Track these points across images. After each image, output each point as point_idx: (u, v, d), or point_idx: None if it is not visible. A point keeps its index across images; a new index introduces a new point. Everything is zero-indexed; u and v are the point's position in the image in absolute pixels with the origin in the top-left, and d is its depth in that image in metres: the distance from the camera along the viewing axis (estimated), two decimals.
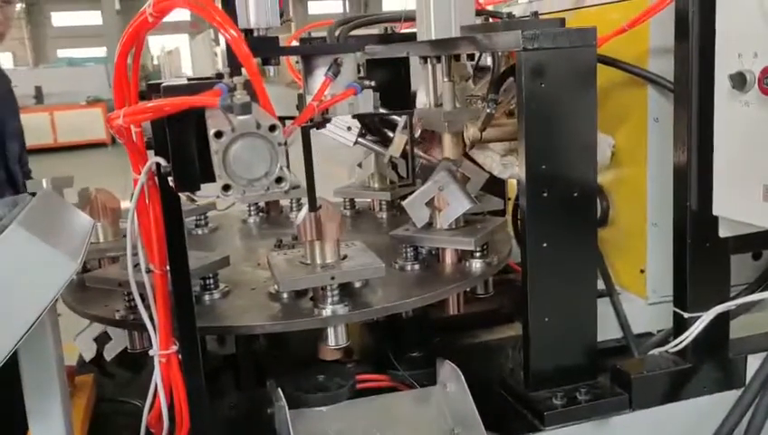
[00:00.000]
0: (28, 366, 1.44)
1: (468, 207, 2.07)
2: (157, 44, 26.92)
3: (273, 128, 1.21)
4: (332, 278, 1.75)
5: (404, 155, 2.24)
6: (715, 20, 1.66)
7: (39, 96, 18.84)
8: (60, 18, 36.55)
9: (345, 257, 1.86)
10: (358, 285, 1.91)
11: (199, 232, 2.71)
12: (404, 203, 2.15)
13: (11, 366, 1.36)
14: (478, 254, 2.08)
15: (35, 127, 17.29)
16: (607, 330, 2.11)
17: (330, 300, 1.76)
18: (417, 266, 2.09)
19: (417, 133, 2.26)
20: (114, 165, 13.07)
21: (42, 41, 36.44)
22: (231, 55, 1.29)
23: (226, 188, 1.22)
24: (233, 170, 1.21)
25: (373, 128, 2.48)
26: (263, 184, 1.22)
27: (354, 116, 2.30)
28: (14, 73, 22.48)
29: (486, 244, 2.11)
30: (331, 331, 1.78)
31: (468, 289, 2.18)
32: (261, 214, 2.89)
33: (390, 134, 2.38)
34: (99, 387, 2.15)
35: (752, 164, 1.62)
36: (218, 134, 1.20)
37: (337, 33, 2.28)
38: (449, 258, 2.11)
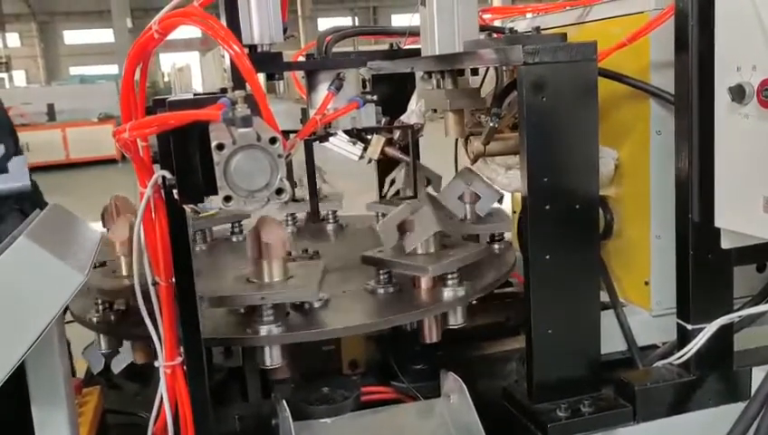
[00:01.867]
0: (35, 377, 1.46)
1: (435, 232, 2.02)
2: (168, 62, 27.17)
3: (273, 140, 1.23)
4: (262, 299, 1.75)
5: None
6: (714, 34, 1.68)
7: (51, 113, 19.00)
8: (72, 36, 36.98)
9: (291, 278, 1.85)
10: (317, 305, 1.90)
11: (234, 239, 2.77)
12: (377, 225, 2.12)
13: (18, 377, 1.39)
14: (450, 281, 2.01)
15: (47, 143, 17.46)
16: (612, 342, 2.11)
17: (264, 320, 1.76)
18: (389, 289, 2.03)
19: (396, 136, 2.28)
20: (124, 181, 13.17)
21: (54, 58, 36.85)
22: (234, 70, 1.32)
23: (228, 199, 1.25)
24: (234, 182, 1.24)
25: (352, 131, 2.49)
26: (263, 195, 1.24)
27: None
28: (27, 91, 22.76)
29: (459, 271, 2.03)
30: (267, 350, 1.77)
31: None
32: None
33: (369, 137, 2.41)
34: (106, 399, 2.17)
35: (752, 176, 1.63)
36: (220, 146, 1.22)
37: (325, 42, 2.31)
38: (422, 283, 2.04)
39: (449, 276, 1.98)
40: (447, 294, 2.00)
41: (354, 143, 2.55)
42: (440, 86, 2.24)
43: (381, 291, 2.03)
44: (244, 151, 1.22)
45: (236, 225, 2.82)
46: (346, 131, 2.46)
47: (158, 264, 1.54)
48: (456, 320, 2.02)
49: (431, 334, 1.98)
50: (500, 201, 2.47)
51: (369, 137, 2.40)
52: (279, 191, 1.25)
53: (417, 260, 2.02)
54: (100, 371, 2.29)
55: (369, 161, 2.47)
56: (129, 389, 2.29)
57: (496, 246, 2.44)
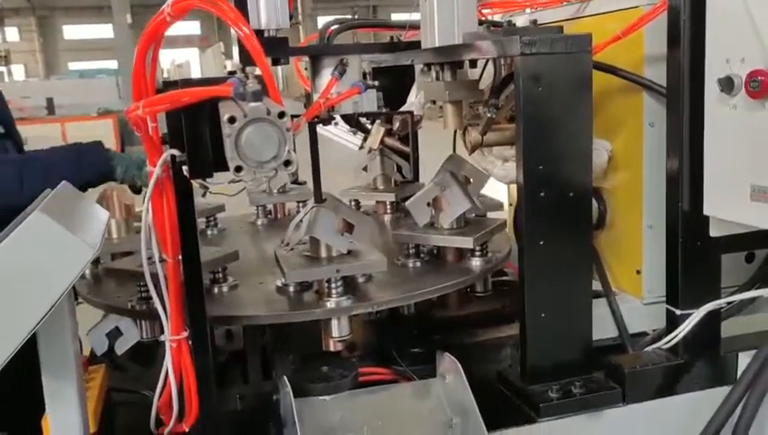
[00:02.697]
0: (46, 348, 1.51)
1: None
2: (167, 58, 27.17)
3: (281, 115, 1.30)
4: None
5: (403, 154, 2.31)
6: (705, 27, 1.74)
7: (50, 107, 19.04)
8: (71, 31, 36.97)
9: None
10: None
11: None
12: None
13: (30, 349, 1.44)
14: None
15: (46, 137, 17.45)
16: (604, 329, 2.17)
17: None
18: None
19: (396, 126, 2.33)
20: None
21: (53, 53, 36.84)
22: (243, 51, 1.37)
23: (239, 169, 1.31)
24: (244, 153, 1.30)
25: (353, 121, 2.55)
26: (271, 166, 1.30)
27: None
28: (26, 85, 22.76)
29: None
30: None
31: (468, 288, 2.25)
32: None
33: (369, 127, 2.46)
34: (110, 379, 2.21)
35: (739, 165, 1.68)
36: (231, 119, 1.29)
37: (328, 32, 2.37)
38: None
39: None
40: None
41: (354, 133, 2.60)
42: (439, 78, 2.29)
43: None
44: (254, 124, 1.29)
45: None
46: (347, 121, 2.52)
47: (165, 241, 1.59)
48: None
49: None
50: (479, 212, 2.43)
51: (369, 127, 2.45)
52: (287, 163, 1.31)
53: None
54: (104, 352, 2.33)
55: (369, 151, 2.53)
56: (132, 369, 2.33)
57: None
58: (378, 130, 2.36)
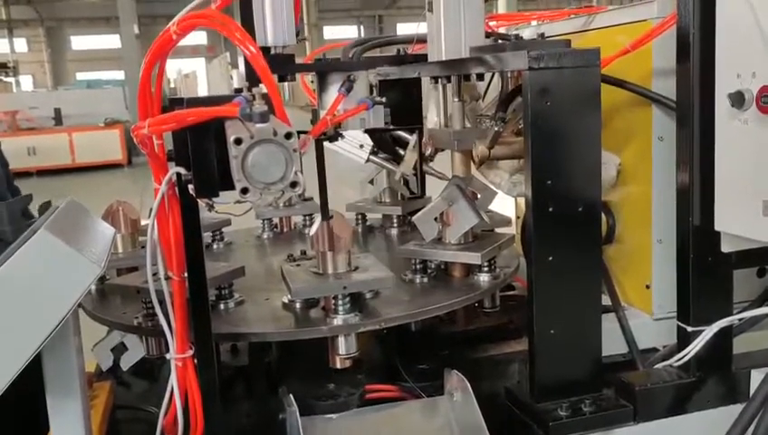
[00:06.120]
0: (51, 366, 1.49)
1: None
2: (173, 68, 27.27)
3: (288, 135, 1.29)
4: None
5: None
6: (715, 41, 1.72)
7: (58, 117, 19.10)
8: (79, 42, 37.19)
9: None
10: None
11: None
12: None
13: (34, 367, 1.42)
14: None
15: (54, 147, 17.58)
16: (613, 345, 2.14)
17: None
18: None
19: (428, 152, 2.32)
20: (130, 185, 13.27)
21: (61, 64, 37.07)
22: (250, 70, 1.36)
23: (245, 191, 1.29)
24: (251, 174, 1.29)
25: (385, 146, 2.55)
26: (278, 188, 1.29)
27: (368, 134, 2.38)
28: (34, 95, 22.85)
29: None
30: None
31: (475, 304, 2.22)
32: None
33: (402, 152, 2.45)
34: (115, 395, 2.20)
35: (751, 180, 1.66)
36: (238, 141, 1.28)
37: (351, 53, 2.37)
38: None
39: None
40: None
41: (361, 147, 2.60)
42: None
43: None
44: (261, 146, 1.28)
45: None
46: (380, 147, 2.50)
47: (171, 258, 1.58)
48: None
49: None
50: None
51: (402, 152, 2.44)
52: (293, 184, 1.30)
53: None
54: (110, 368, 2.32)
55: (401, 177, 2.52)
56: (137, 385, 2.32)
57: None
58: (412, 156, 2.34)
